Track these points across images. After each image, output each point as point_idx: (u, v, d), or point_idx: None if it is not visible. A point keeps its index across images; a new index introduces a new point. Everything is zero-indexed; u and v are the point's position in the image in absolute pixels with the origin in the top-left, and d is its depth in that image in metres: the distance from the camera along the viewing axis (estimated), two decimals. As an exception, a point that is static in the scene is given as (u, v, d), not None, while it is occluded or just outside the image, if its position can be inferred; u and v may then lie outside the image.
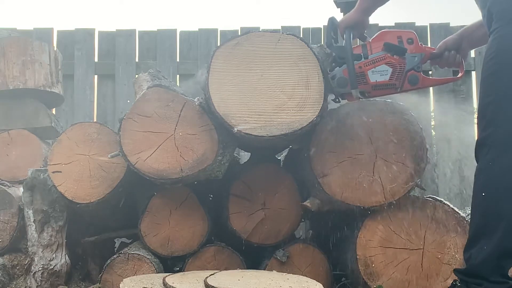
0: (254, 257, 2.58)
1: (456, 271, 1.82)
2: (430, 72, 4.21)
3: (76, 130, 2.52)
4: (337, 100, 2.17)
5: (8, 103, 3.14)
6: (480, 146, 1.75)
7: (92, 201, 2.42)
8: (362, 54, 2.08)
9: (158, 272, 2.35)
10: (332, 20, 2.19)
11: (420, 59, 2.08)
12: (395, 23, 4.25)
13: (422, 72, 2.12)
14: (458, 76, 2.22)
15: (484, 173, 1.73)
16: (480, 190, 1.73)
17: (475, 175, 1.76)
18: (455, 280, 1.81)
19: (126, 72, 4.28)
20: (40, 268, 2.52)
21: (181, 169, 2.23)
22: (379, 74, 2.06)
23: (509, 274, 1.69)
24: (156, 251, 2.44)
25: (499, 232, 1.65)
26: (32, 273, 2.53)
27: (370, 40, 2.13)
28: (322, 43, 3.35)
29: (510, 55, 1.71)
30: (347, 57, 2.06)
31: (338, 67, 2.13)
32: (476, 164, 1.78)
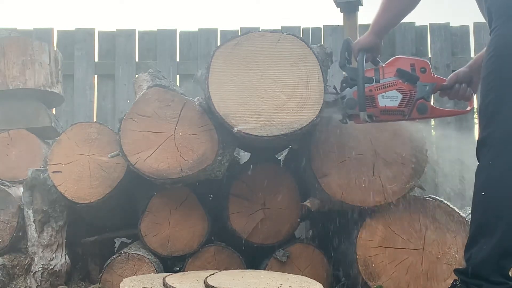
0: (254, 257, 2.58)
1: (456, 271, 1.82)
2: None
3: (76, 130, 2.51)
4: (344, 121, 2.16)
5: (8, 103, 3.13)
6: (480, 146, 1.75)
7: (92, 201, 2.42)
8: (374, 77, 2.07)
9: (158, 272, 2.35)
10: (347, 42, 2.19)
11: (431, 89, 2.08)
12: (395, 23, 4.25)
13: (431, 102, 2.11)
14: (467, 109, 2.21)
15: (485, 172, 1.72)
16: (481, 189, 1.73)
17: (475, 175, 1.76)
18: (455, 280, 1.81)
19: (126, 72, 4.28)
20: (40, 268, 2.52)
21: (181, 169, 2.23)
22: (389, 99, 2.05)
23: (510, 274, 1.69)
24: (156, 251, 2.44)
25: (499, 232, 1.65)
26: (32, 273, 2.53)
27: (383, 65, 2.12)
28: (322, 43, 3.35)
29: (508, 53, 1.71)
30: (358, 79, 2.05)
31: (348, 88, 2.12)
32: (477, 163, 1.78)
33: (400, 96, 2.04)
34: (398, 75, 2.06)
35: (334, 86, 2.22)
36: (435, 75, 2.13)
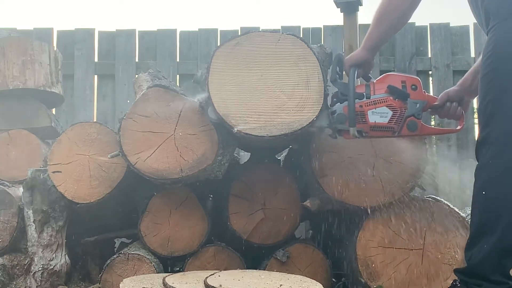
0: (254, 257, 2.58)
1: (456, 271, 1.82)
2: (430, 72, 4.21)
3: (76, 130, 2.51)
4: (334, 136, 2.16)
5: (8, 103, 3.14)
6: (480, 145, 1.76)
7: (92, 201, 2.42)
8: (364, 93, 2.07)
9: (158, 272, 2.36)
10: (338, 57, 2.18)
11: (422, 107, 2.08)
12: (395, 23, 4.25)
13: (421, 119, 2.11)
14: (457, 128, 2.22)
15: (484, 171, 1.73)
16: (481, 188, 1.73)
17: (475, 174, 1.76)
18: (455, 280, 1.81)
19: (126, 72, 4.28)
20: (40, 268, 2.52)
21: (181, 169, 2.23)
22: (379, 116, 2.05)
23: (510, 274, 1.69)
24: (156, 251, 2.44)
25: (499, 231, 1.65)
26: (32, 273, 2.53)
27: (374, 81, 2.12)
28: (322, 43, 3.35)
29: (506, 51, 1.71)
30: (349, 94, 2.05)
31: (339, 103, 2.12)
32: (476, 163, 1.78)
33: (390, 112, 2.05)
34: (389, 91, 2.06)
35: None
36: (426, 93, 2.14)
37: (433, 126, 2.21)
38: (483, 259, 1.68)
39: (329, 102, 2.17)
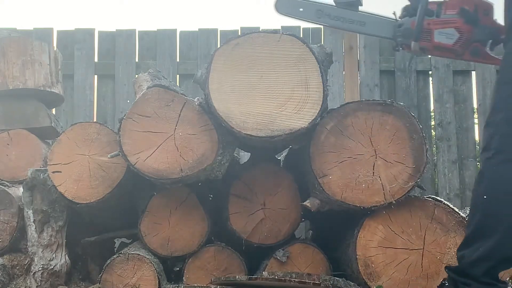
0: (254, 257, 2.58)
1: (447, 268, 1.82)
2: (430, 72, 4.21)
3: (76, 130, 2.51)
4: (397, 49, 2.12)
5: (8, 103, 3.13)
6: (484, 150, 1.75)
7: (92, 201, 2.42)
8: (435, 11, 2.03)
9: (158, 272, 2.36)
10: None
11: (490, 34, 2.01)
12: (395, 23, 4.25)
13: (488, 49, 2.05)
14: None
15: (487, 176, 1.72)
16: (482, 192, 1.73)
17: (476, 178, 1.76)
18: (444, 279, 1.81)
19: (126, 72, 4.28)
20: (40, 268, 2.52)
21: (181, 169, 2.23)
22: (445, 37, 2.01)
23: (499, 277, 1.69)
24: (156, 251, 2.45)
25: (497, 235, 1.66)
26: (32, 273, 2.53)
27: (447, 0, 2.07)
28: (322, 43, 3.35)
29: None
30: (420, 9, 2.00)
31: (408, 17, 2.08)
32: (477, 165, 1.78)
33: (457, 35, 2.00)
34: (460, 13, 2.01)
35: (394, 12, 2.17)
36: (497, 22, 2.06)
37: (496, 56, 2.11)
38: (476, 261, 1.69)
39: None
